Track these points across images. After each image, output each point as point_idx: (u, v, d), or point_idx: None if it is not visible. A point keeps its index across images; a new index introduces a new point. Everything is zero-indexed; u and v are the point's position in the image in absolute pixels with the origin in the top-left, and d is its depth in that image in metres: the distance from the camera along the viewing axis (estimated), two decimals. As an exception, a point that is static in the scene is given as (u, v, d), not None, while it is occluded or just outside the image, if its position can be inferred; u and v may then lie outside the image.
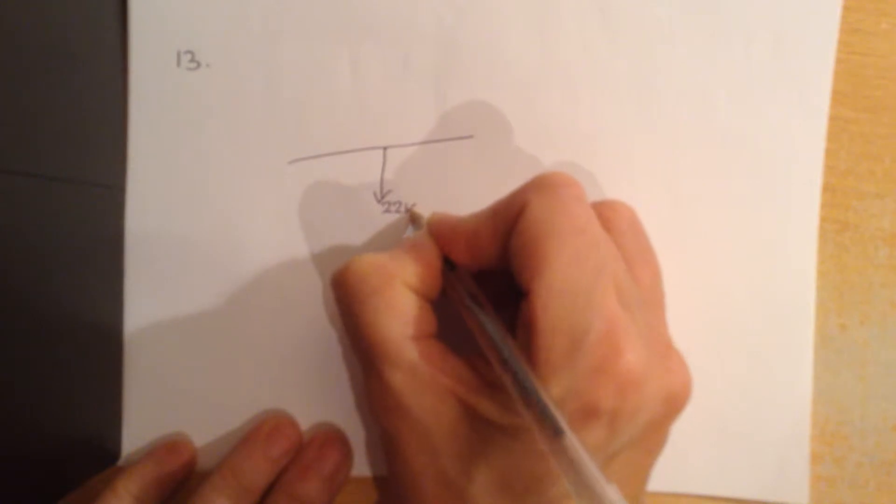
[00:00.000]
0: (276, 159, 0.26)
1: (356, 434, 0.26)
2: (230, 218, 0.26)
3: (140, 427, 0.26)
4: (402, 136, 0.26)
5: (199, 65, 0.26)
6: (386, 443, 0.21)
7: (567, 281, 0.18)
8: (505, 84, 0.26)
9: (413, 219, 0.26)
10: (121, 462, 0.26)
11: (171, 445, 0.26)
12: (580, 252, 0.18)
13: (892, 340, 0.26)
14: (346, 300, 0.21)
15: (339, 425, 0.26)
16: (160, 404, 0.26)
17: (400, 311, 0.20)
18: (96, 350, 0.25)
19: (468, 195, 0.26)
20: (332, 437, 0.26)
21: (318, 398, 0.26)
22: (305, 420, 0.26)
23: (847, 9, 0.25)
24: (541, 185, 0.19)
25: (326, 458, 0.25)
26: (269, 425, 0.25)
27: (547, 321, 0.18)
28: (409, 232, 0.25)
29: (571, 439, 0.16)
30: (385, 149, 0.26)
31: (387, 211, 0.26)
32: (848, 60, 0.26)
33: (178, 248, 0.26)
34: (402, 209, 0.26)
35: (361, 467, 0.26)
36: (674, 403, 0.20)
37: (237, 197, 0.26)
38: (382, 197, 0.26)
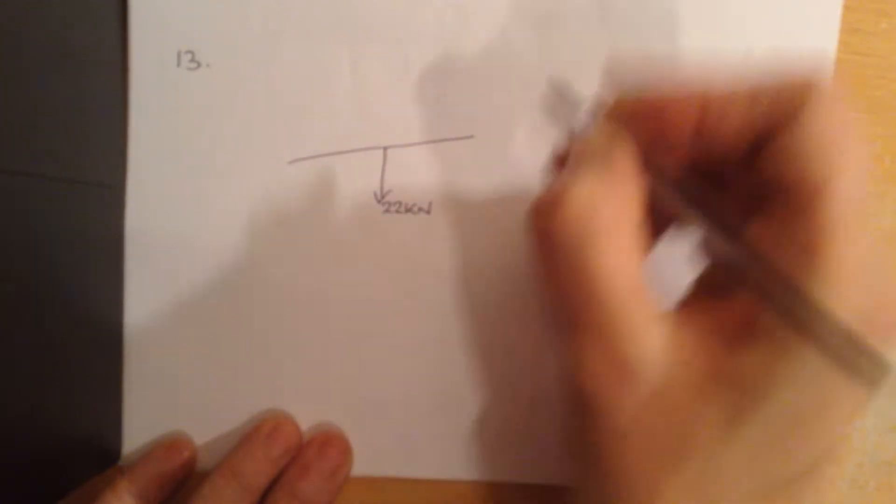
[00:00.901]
0: (276, 159, 0.26)
1: (356, 434, 0.26)
2: (230, 218, 0.26)
3: (140, 427, 0.26)
4: (402, 136, 0.26)
5: (199, 65, 0.26)
6: (579, 420, 0.17)
7: (861, 188, 0.15)
8: (505, 84, 0.26)
9: (556, 91, 0.19)
10: (121, 462, 0.26)
11: (171, 445, 0.26)
12: (866, 169, 0.15)
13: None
14: (566, 241, 0.16)
15: (339, 425, 0.26)
16: (160, 404, 0.26)
17: (638, 253, 0.16)
18: (96, 350, 0.25)
19: (468, 195, 0.26)
20: (332, 437, 0.26)
21: (318, 398, 0.26)
22: (305, 420, 0.26)
23: (847, 9, 0.25)
24: (825, 87, 0.16)
25: (327, 458, 0.25)
26: (269, 425, 0.25)
27: (846, 228, 0.15)
28: (578, 117, 0.19)
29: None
30: (385, 149, 0.26)
31: (387, 211, 0.26)
32: (848, 60, 0.26)
33: (178, 248, 0.26)
34: (402, 209, 0.26)
35: (361, 467, 0.26)
36: None
37: (237, 197, 0.26)
38: (382, 197, 0.26)
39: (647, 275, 0.17)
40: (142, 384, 0.26)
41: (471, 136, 0.26)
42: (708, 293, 0.18)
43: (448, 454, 0.26)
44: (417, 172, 0.26)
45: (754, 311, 0.16)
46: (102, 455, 0.26)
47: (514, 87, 0.26)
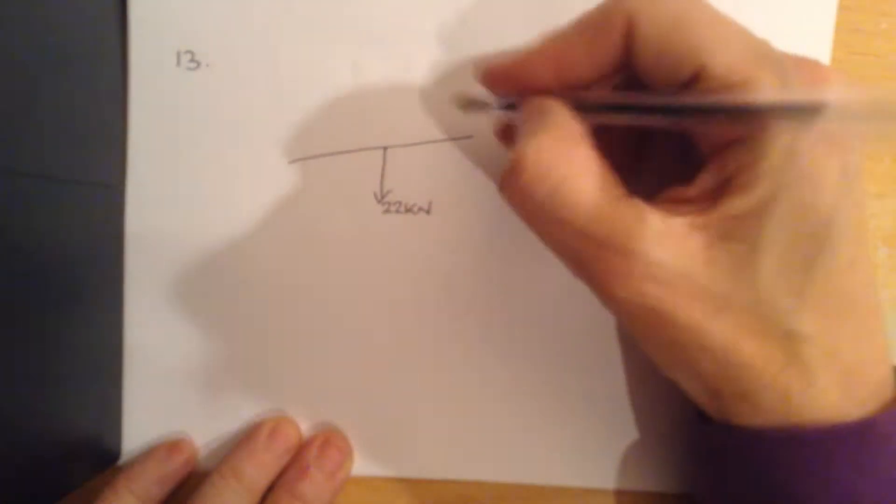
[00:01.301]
0: (276, 159, 0.26)
1: (356, 434, 0.26)
2: (230, 218, 0.26)
3: (140, 427, 0.26)
4: (402, 136, 0.26)
5: (199, 65, 0.26)
6: (640, 321, 0.19)
7: (736, 35, 0.18)
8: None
9: (463, 103, 0.23)
10: (121, 462, 0.26)
11: (171, 445, 0.26)
12: (715, 9, 0.18)
13: (892, 340, 0.26)
14: (538, 197, 0.19)
15: (339, 425, 0.26)
16: (160, 404, 0.26)
17: (601, 175, 0.19)
18: (96, 350, 0.25)
19: (468, 195, 0.26)
20: (332, 437, 0.26)
21: (318, 398, 0.26)
22: (305, 420, 0.26)
23: (847, 9, 0.25)
24: None
25: (327, 458, 0.25)
26: (269, 425, 0.25)
27: (743, 68, 0.17)
28: (497, 108, 0.22)
29: (835, 98, 0.16)
30: (385, 149, 0.26)
31: (387, 211, 0.26)
32: (848, 60, 0.26)
33: (178, 248, 0.26)
34: (402, 209, 0.26)
35: (361, 467, 0.26)
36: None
37: (237, 197, 0.26)
38: (382, 197, 0.26)
39: (619, 181, 0.19)
40: (142, 384, 0.26)
41: (471, 136, 0.26)
42: (672, 185, 0.20)
43: (448, 454, 0.26)
44: (417, 172, 0.26)
45: (710, 181, 0.19)
46: (102, 455, 0.26)
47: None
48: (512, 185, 0.19)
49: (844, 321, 0.19)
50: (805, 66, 0.19)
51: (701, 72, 0.18)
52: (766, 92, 0.17)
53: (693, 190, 0.19)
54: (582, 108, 0.20)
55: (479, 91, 0.23)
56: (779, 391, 0.19)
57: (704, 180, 0.19)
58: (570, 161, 0.18)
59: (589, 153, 0.19)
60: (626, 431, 0.26)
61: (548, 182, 0.18)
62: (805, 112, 0.16)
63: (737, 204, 0.18)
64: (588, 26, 0.19)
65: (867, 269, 0.20)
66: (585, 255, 0.19)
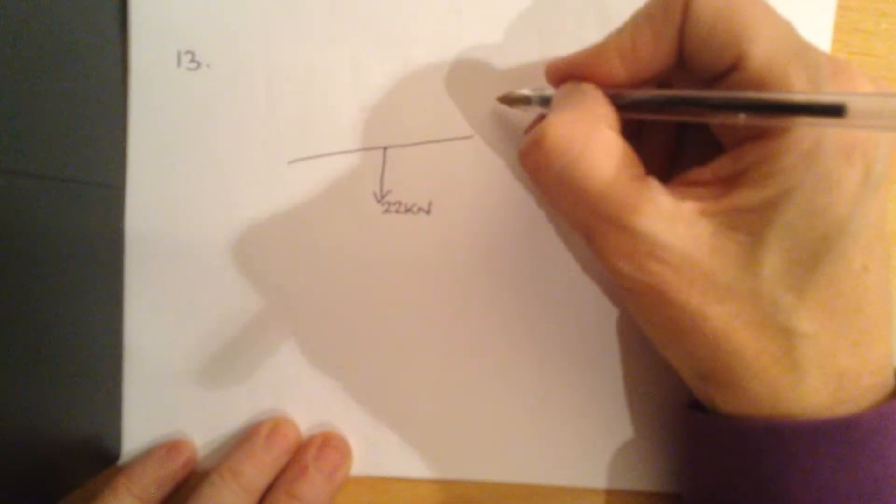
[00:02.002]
0: (276, 159, 0.26)
1: (356, 434, 0.26)
2: (230, 218, 0.26)
3: (140, 427, 0.26)
4: (402, 136, 0.26)
5: (199, 65, 0.26)
6: (640, 297, 0.20)
7: (777, 28, 0.18)
8: (505, 84, 0.26)
9: (508, 101, 0.24)
10: (121, 462, 0.26)
11: (170, 445, 0.26)
12: (767, 5, 0.18)
13: (892, 340, 0.26)
14: (556, 167, 0.19)
15: (339, 425, 0.26)
16: (160, 404, 0.26)
17: (619, 155, 0.19)
18: (96, 350, 0.25)
19: (468, 195, 0.26)
20: (331, 438, 0.26)
21: (318, 398, 0.26)
22: (305, 420, 0.26)
23: (847, 9, 0.25)
24: None
25: (326, 458, 0.25)
26: (269, 426, 0.25)
27: (777, 70, 0.17)
28: (536, 103, 0.23)
29: (856, 100, 0.16)
30: (385, 149, 0.26)
31: (387, 211, 0.26)
32: (848, 60, 0.26)
33: (178, 248, 0.26)
34: (402, 209, 0.26)
35: (361, 467, 0.26)
36: None
37: (237, 197, 0.26)
38: (382, 197, 0.26)
39: (637, 162, 0.19)
40: (142, 384, 0.26)
41: (471, 136, 0.26)
42: (687, 171, 0.20)
43: (448, 454, 0.26)
44: (417, 172, 0.26)
45: (726, 169, 0.19)
46: (102, 455, 0.26)
47: (514, 87, 0.26)
48: (532, 154, 0.20)
49: (847, 325, 0.19)
50: (841, 70, 0.19)
51: (739, 61, 0.18)
52: (797, 89, 0.17)
53: (708, 173, 0.19)
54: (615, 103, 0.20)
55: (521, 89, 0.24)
56: (767, 384, 0.19)
57: (721, 166, 0.19)
58: (588, 138, 0.19)
59: (609, 133, 0.19)
60: (626, 432, 0.26)
61: (566, 156, 0.19)
62: (829, 113, 0.16)
63: (747, 196, 0.18)
64: (652, 14, 0.19)
65: (881, 277, 0.20)
66: (595, 229, 0.20)
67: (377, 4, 0.25)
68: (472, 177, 0.26)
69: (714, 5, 0.18)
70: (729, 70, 0.18)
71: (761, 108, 0.17)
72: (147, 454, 0.25)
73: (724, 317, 0.19)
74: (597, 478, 0.26)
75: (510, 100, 0.24)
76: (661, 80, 0.21)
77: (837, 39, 0.25)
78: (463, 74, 0.26)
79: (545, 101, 0.22)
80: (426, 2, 0.25)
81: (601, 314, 0.26)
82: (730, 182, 0.19)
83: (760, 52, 0.17)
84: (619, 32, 0.20)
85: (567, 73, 0.21)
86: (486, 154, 0.26)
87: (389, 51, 0.26)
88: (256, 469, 0.25)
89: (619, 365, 0.26)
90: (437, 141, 0.26)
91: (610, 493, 0.26)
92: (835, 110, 0.16)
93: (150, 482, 0.25)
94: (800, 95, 0.17)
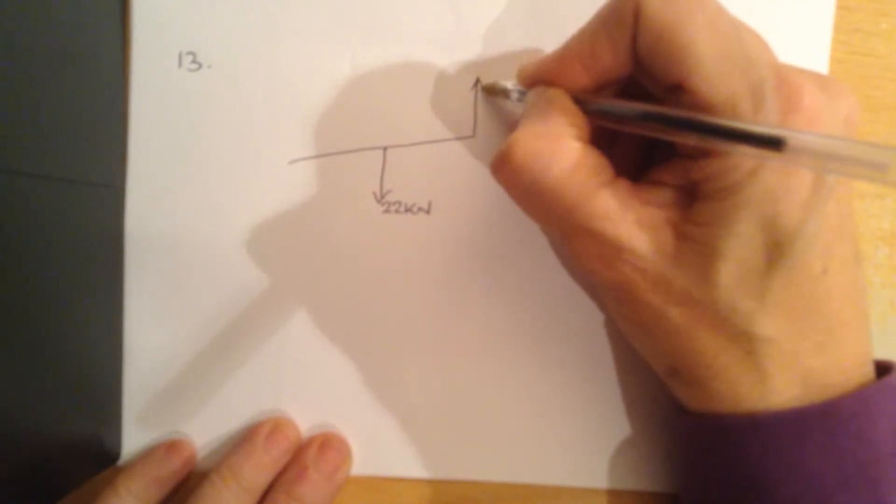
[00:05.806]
0: (276, 159, 0.26)
1: (356, 434, 0.26)
2: (230, 218, 0.26)
3: (140, 427, 0.26)
4: (402, 136, 0.26)
5: (200, 66, 0.26)
6: (609, 294, 0.21)
7: (720, 45, 0.17)
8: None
9: (490, 90, 0.25)
10: (121, 462, 0.26)
11: (170, 445, 0.26)
12: (717, 18, 0.18)
13: (892, 340, 0.26)
14: (525, 181, 0.20)
15: (339, 425, 0.26)
16: (160, 404, 0.26)
17: (586, 164, 0.19)
18: (96, 350, 0.25)
19: (468, 195, 0.26)
20: (330, 438, 0.26)
21: (318, 398, 0.26)
22: (305, 420, 0.26)
23: (847, 9, 0.25)
24: None
25: (325, 458, 0.25)
26: (269, 426, 0.25)
27: (720, 87, 0.17)
28: (515, 98, 0.24)
29: (796, 136, 0.16)
30: (385, 149, 0.26)
31: (387, 211, 0.26)
32: (848, 60, 0.26)
33: (178, 248, 0.26)
34: (402, 209, 0.26)
35: (361, 467, 0.26)
36: (852, 123, 0.19)
37: (237, 197, 0.26)
38: (382, 197, 0.26)
39: (605, 169, 0.20)
40: (142, 384, 0.26)
41: (471, 136, 0.26)
42: (650, 182, 0.21)
43: (448, 454, 0.26)
44: (417, 172, 0.26)
45: (681, 177, 0.20)
46: (102, 455, 0.26)
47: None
48: (501, 169, 0.20)
49: (810, 327, 0.20)
50: (785, 92, 0.18)
51: (684, 81, 0.18)
52: (741, 110, 0.17)
53: (665, 174, 0.20)
54: (581, 102, 0.21)
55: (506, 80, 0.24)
56: (728, 383, 0.20)
57: (675, 171, 0.20)
58: (553, 153, 0.19)
59: (574, 145, 0.20)
60: (625, 432, 0.26)
61: (533, 170, 0.19)
62: (768, 145, 0.16)
63: (701, 210, 0.19)
64: (607, 20, 0.19)
65: (846, 278, 0.20)
66: (566, 234, 0.21)
67: (377, 4, 0.26)
68: (472, 177, 0.26)
69: (661, 16, 0.18)
70: (677, 86, 0.18)
71: (705, 131, 0.17)
72: (147, 454, 0.25)
73: (684, 318, 0.20)
74: (596, 478, 0.26)
75: (493, 90, 0.25)
76: (634, 84, 0.21)
77: (837, 39, 0.25)
78: (463, 74, 0.26)
79: (523, 96, 0.23)
80: (426, 2, 0.25)
81: (601, 314, 0.26)
82: (690, 193, 0.19)
83: (701, 76, 0.17)
84: (579, 37, 0.20)
85: (536, 78, 0.22)
86: (486, 154, 0.26)
87: (389, 51, 0.26)
88: (256, 469, 0.24)
89: (618, 365, 0.26)
90: (437, 141, 0.26)
91: (609, 493, 0.26)
92: (774, 143, 0.16)
93: (150, 482, 0.25)
94: (740, 124, 0.17)
